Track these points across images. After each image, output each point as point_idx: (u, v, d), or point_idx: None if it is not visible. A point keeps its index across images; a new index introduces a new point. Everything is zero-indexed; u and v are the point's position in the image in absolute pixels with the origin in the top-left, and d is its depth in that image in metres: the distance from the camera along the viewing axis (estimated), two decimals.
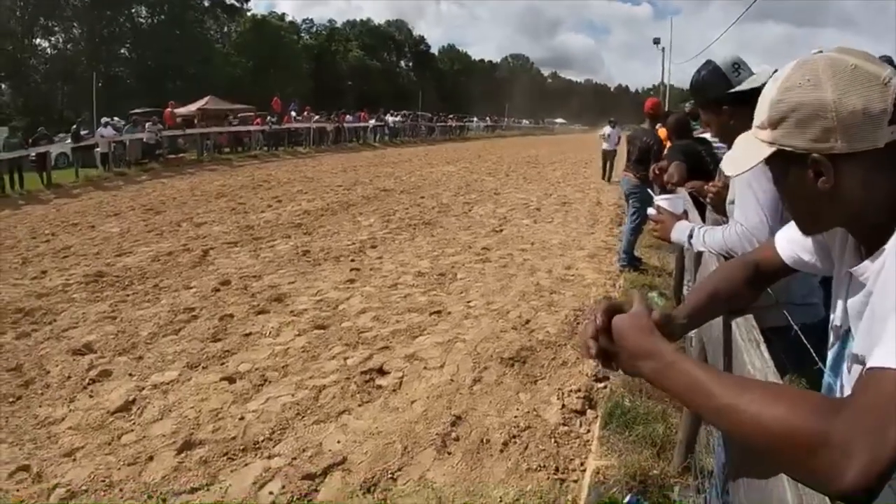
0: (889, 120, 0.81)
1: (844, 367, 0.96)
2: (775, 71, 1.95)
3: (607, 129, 16.26)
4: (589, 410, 3.46)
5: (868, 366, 0.67)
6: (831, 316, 1.06)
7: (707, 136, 4.83)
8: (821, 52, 0.89)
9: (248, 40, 53.15)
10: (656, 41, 43.03)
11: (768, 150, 0.92)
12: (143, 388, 3.75)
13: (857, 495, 0.61)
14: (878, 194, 0.85)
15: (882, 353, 0.66)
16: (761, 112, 0.93)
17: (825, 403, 0.67)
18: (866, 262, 0.88)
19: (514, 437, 3.16)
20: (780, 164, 0.92)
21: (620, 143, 14.07)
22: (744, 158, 0.99)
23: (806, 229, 1.02)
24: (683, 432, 2.67)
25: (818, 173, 0.86)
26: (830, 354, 1.05)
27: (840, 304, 1.02)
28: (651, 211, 2.28)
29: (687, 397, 0.80)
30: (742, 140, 1.02)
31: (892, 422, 0.60)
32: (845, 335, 0.98)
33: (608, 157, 15.92)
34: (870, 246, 0.89)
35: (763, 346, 1.18)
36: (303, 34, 67.60)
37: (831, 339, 1.06)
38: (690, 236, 2.05)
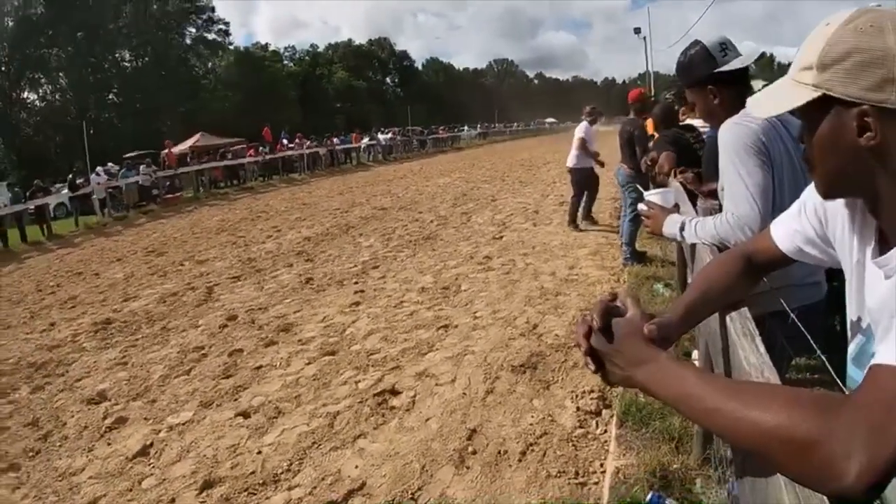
0: None
1: (868, 363, 0.93)
2: (763, 53, 1.96)
3: (583, 127, 8.60)
4: (604, 410, 3.45)
5: (872, 362, 0.66)
6: (847, 308, 1.02)
7: (693, 121, 4.86)
8: (880, 6, 0.83)
9: (233, 74, 53.49)
10: (637, 31, 43.19)
11: (812, 94, 0.84)
12: (160, 431, 3.77)
13: (858, 495, 0.59)
14: None
15: (885, 349, 0.65)
16: (809, 53, 0.85)
17: (823, 402, 0.65)
18: (890, 253, 0.83)
19: (532, 444, 3.16)
20: (820, 112, 0.85)
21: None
22: (780, 100, 0.92)
23: (828, 191, 0.95)
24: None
25: (863, 127, 0.80)
26: (852, 347, 1.01)
27: (855, 296, 0.98)
28: (641, 207, 2.28)
29: (681, 404, 0.79)
30: (776, 83, 0.95)
31: (892, 418, 0.59)
32: (868, 329, 0.93)
33: (581, 181, 8.69)
34: (892, 229, 0.85)
35: (758, 340, 1.16)
36: (286, 62, 67.96)
37: (850, 333, 1.02)
38: (682, 229, 2.04)
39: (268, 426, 3.66)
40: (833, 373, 1.06)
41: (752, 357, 1.08)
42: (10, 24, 42.43)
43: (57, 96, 46.25)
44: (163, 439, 3.66)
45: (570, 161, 8.64)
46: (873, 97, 0.78)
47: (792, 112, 0.90)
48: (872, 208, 0.90)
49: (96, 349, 5.56)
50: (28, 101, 45.51)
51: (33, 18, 42.84)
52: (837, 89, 0.81)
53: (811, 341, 1.33)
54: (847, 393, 0.93)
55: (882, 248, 0.89)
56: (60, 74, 45.64)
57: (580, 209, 8.85)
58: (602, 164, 8.61)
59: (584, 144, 8.35)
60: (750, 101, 1.01)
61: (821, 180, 0.94)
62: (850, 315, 1.01)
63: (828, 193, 0.96)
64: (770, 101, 0.95)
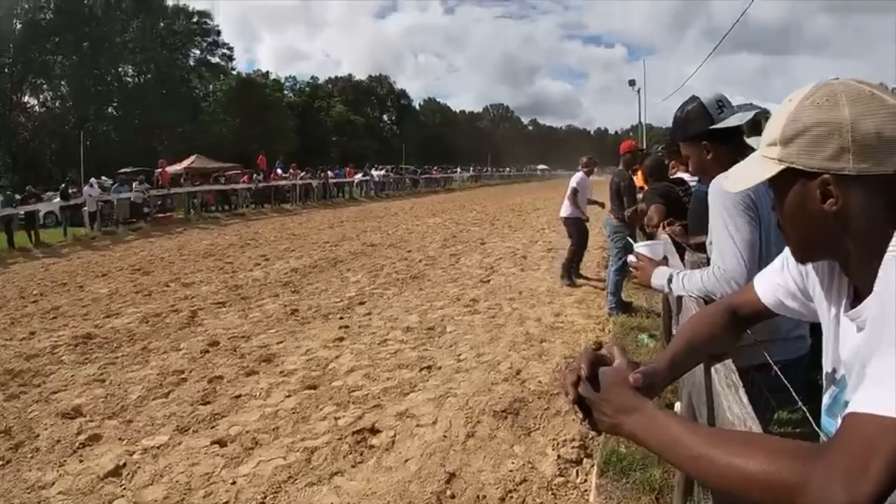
0: None
1: (840, 413, 0.94)
2: (757, 111, 2.03)
3: (577, 178, 8.35)
4: (585, 459, 3.43)
5: (848, 410, 0.67)
6: (823, 360, 1.05)
7: (683, 175, 4.96)
8: (837, 79, 0.89)
9: (233, 99, 53.94)
10: (632, 83, 44.24)
11: (777, 168, 0.91)
12: (134, 453, 3.69)
13: None
14: (878, 223, 0.84)
15: (861, 397, 0.67)
16: (773, 129, 0.92)
17: (802, 450, 0.68)
18: (860, 307, 0.88)
19: (511, 491, 3.13)
20: (787, 183, 0.91)
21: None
22: (749, 175, 0.97)
23: (802, 255, 1.01)
24: (681, 475, 2.65)
25: (826, 195, 0.86)
26: (826, 398, 1.04)
27: (831, 348, 1.02)
28: (631, 258, 2.32)
29: (666, 451, 0.81)
30: (747, 159, 1.01)
31: (870, 466, 0.61)
32: (842, 380, 0.97)
33: (577, 232, 8.32)
34: (863, 284, 0.88)
35: (741, 391, 1.19)
36: (286, 91, 68.74)
37: (825, 384, 1.05)
38: (670, 281, 2.08)
39: (244, 456, 3.60)
40: (814, 424, 1.08)
41: (736, 408, 1.11)
42: (18, 26, 42.63)
43: (57, 104, 46.35)
44: (136, 461, 3.59)
45: (563, 211, 8.47)
46: (833, 166, 0.84)
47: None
48: (844, 267, 0.95)
49: (75, 363, 5.47)
50: (28, 105, 45.62)
51: (42, 23, 43.19)
52: (800, 162, 0.87)
53: (793, 393, 1.35)
54: (823, 442, 0.96)
55: (855, 302, 0.93)
56: (63, 82, 45.85)
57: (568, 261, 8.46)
58: (602, 205, 8.26)
59: (575, 195, 8.24)
60: (722, 176, 1.08)
61: (794, 246, 1.01)
62: (826, 367, 1.05)
63: (802, 258, 1.02)
64: (741, 176, 1.01)
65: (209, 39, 56.29)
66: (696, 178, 3.65)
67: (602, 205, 8.39)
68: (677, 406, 3.34)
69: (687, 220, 3.42)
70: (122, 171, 24.27)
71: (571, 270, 8.35)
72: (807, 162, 0.87)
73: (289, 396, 4.51)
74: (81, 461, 3.63)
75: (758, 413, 1.13)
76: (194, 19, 54.24)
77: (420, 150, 68.62)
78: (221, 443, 3.79)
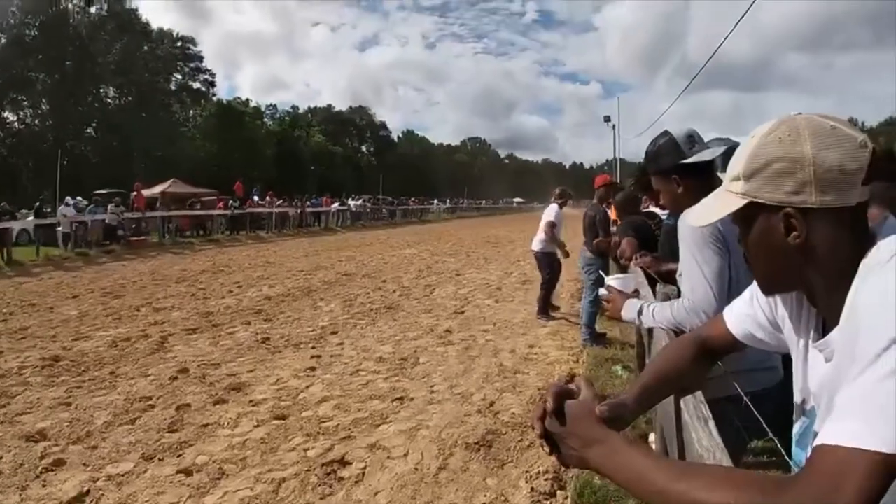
0: (863, 180, 0.83)
1: (810, 443, 0.94)
2: (729, 145, 2.07)
3: (552, 211, 8.18)
4: (559, 492, 3.39)
5: (816, 442, 0.68)
6: (794, 391, 1.06)
7: (654, 209, 5.04)
8: (799, 114, 0.90)
9: (213, 125, 53.82)
10: (607, 119, 45.02)
11: (741, 202, 0.92)
12: (98, 480, 3.57)
13: None
14: (843, 255, 0.85)
15: (828, 429, 0.67)
16: (736, 164, 0.93)
17: (771, 483, 0.67)
18: (827, 338, 0.89)
19: None
20: (751, 217, 0.92)
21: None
22: (714, 209, 0.99)
23: (768, 288, 1.02)
24: None
25: (789, 228, 0.87)
26: (796, 428, 1.05)
27: (800, 379, 1.02)
28: (602, 291, 2.34)
29: (631, 485, 0.80)
30: (713, 194, 1.02)
31: (837, 498, 0.61)
32: (811, 411, 0.98)
33: (550, 265, 8.19)
34: (830, 316, 0.89)
35: (711, 424, 1.19)
36: (266, 119, 68.81)
37: (794, 415, 1.06)
38: (640, 313, 2.10)
39: (210, 486, 3.50)
40: (786, 455, 1.09)
41: (706, 440, 1.10)
42: (3, 40, 42.43)
43: (37, 121, 45.90)
44: (100, 488, 3.47)
45: (536, 244, 8.27)
46: (795, 200, 0.86)
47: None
48: (811, 299, 0.96)
49: (42, 385, 5.31)
50: (7, 120, 45.12)
51: (26, 39, 42.95)
52: (763, 196, 0.89)
53: (763, 424, 1.36)
54: (793, 473, 0.96)
55: (823, 333, 0.93)
56: (43, 100, 45.47)
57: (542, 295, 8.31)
58: (567, 255, 8.36)
59: (552, 229, 8.07)
60: (690, 211, 1.09)
61: (760, 279, 1.02)
62: (796, 398, 1.05)
63: (768, 290, 1.03)
64: (705, 211, 1.03)
65: (192, 65, 56.45)
66: (666, 212, 3.71)
67: (567, 254, 8.38)
68: (652, 438, 3.35)
69: (658, 252, 3.47)
70: (98, 192, 23.98)
71: (547, 305, 8.32)
72: (769, 196, 0.88)
73: (257, 426, 4.42)
74: (44, 486, 3.50)
75: (729, 444, 1.13)
76: (178, 44, 54.39)
77: (398, 182, 68.83)
78: (187, 472, 3.68)
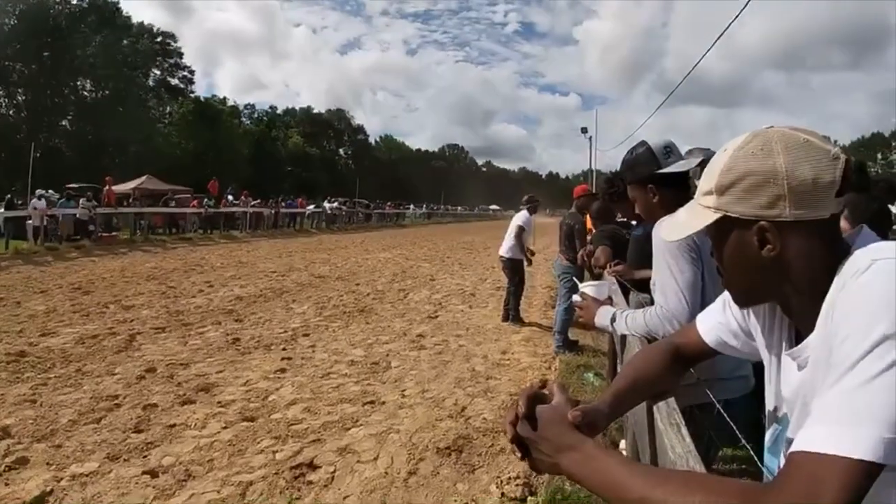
0: (836, 192, 0.83)
1: (783, 451, 0.96)
2: (704, 157, 2.09)
3: (523, 216, 8.44)
4: (529, 497, 3.38)
5: (791, 449, 0.68)
6: (766, 398, 1.06)
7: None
8: (772, 127, 0.90)
9: (189, 122, 53.14)
10: (584, 130, 45.40)
11: (714, 216, 0.91)
12: (61, 479, 3.47)
13: None
14: (817, 267, 0.85)
15: (804, 436, 0.67)
16: (709, 179, 0.93)
17: (747, 489, 0.67)
18: (801, 346, 0.89)
19: None
20: (724, 231, 0.92)
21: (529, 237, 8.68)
22: (686, 224, 0.98)
23: (743, 301, 1.02)
24: None
25: (763, 241, 0.87)
26: (768, 436, 1.05)
27: (773, 386, 1.03)
28: (576, 298, 2.34)
29: (605, 491, 0.79)
30: (685, 207, 1.02)
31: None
32: (784, 418, 0.98)
33: (517, 271, 8.37)
34: (803, 325, 0.90)
35: (684, 430, 1.19)
36: (244, 119, 68.22)
37: (766, 422, 1.06)
38: (613, 320, 2.11)
39: (176, 488, 3.42)
40: (759, 461, 1.09)
41: (678, 446, 1.10)
42: None
43: (11, 112, 44.83)
44: (64, 488, 3.37)
45: (506, 250, 8.41)
46: (768, 213, 0.86)
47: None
48: (785, 309, 0.96)
49: (6, 381, 5.15)
50: None
51: (4, 28, 42.04)
52: (735, 210, 0.89)
53: (736, 431, 1.36)
54: (766, 481, 0.96)
55: (797, 341, 0.94)
56: (20, 90, 44.41)
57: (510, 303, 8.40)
58: (530, 263, 8.55)
59: (521, 234, 8.27)
60: (663, 225, 1.09)
61: (733, 292, 1.02)
62: (768, 405, 1.06)
63: (743, 303, 1.04)
64: (677, 225, 1.02)
65: (171, 61, 55.70)
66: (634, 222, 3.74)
67: (530, 261, 8.54)
68: (622, 444, 3.36)
69: (627, 262, 3.50)
70: (71, 185, 23.50)
71: (515, 310, 8.37)
72: (742, 210, 0.88)
73: (225, 428, 4.34)
74: (7, 485, 3.39)
75: (701, 452, 1.13)
76: (158, 39, 53.65)
77: (374, 186, 68.75)
78: (153, 473, 3.60)
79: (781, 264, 0.88)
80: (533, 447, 0.92)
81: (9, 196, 18.58)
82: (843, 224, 2.33)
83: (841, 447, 0.63)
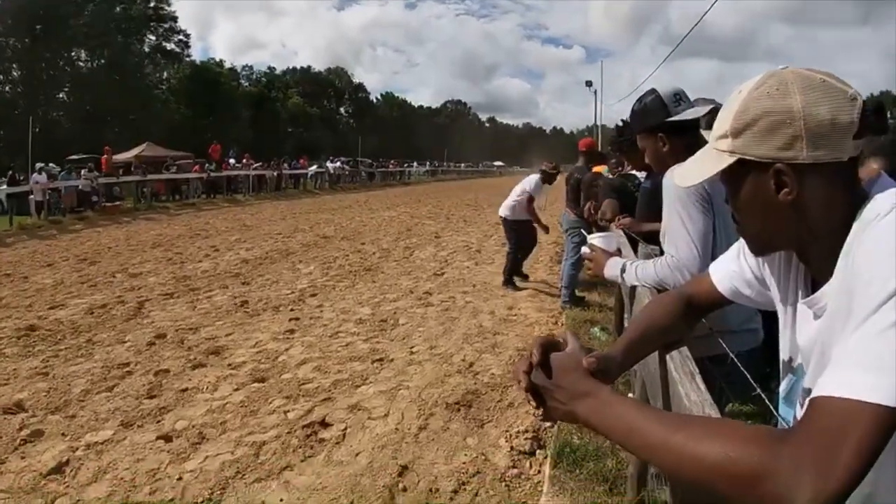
0: (854, 134, 0.81)
1: (798, 401, 0.94)
2: (714, 105, 2.04)
3: (533, 181, 7.81)
4: (538, 451, 3.43)
5: (812, 395, 0.66)
6: (780, 349, 1.05)
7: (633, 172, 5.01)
8: (787, 67, 0.87)
9: (187, 87, 52.56)
10: (588, 83, 44.81)
11: (729, 160, 0.89)
12: (77, 449, 3.52)
13: None
14: (835, 211, 0.83)
15: (826, 381, 0.65)
16: (723, 121, 0.90)
17: (768, 435, 0.66)
18: (817, 294, 0.87)
19: (464, 483, 3.10)
20: (739, 175, 0.90)
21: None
22: (701, 168, 0.96)
23: (759, 248, 1.00)
24: (634, 465, 2.66)
25: (780, 184, 0.85)
26: (783, 386, 1.04)
27: (787, 336, 1.01)
28: (585, 250, 2.32)
29: (623, 438, 0.78)
30: (699, 153, 0.99)
31: (838, 451, 0.59)
32: (799, 368, 0.96)
33: (520, 234, 7.96)
34: (820, 273, 0.88)
35: (698, 378, 1.18)
36: (242, 81, 67.39)
37: (781, 372, 1.05)
38: (623, 271, 2.09)
39: (190, 452, 3.48)
40: (773, 408, 1.08)
41: (693, 395, 1.09)
42: None
43: (7, 88, 44.39)
44: (79, 457, 3.43)
45: (506, 210, 7.95)
46: (785, 155, 0.83)
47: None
48: (801, 256, 0.94)
49: (17, 356, 5.21)
50: None
51: None
52: (751, 152, 0.86)
53: (751, 381, 1.35)
54: (787, 427, 0.95)
55: (813, 290, 0.92)
56: (14, 65, 43.88)
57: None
58: (546, 231, 7.99)
59: (531, 203, 7.70)
60: (676, 171, 1.06)
61: (750, 239, 0.99)
62: (783, 355, 1.04)
63: (758, 251, 1.01)
64: (692, 170, 0.99)
65: (165, 25, 54.68)
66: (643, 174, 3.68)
67: (546, 229, 7.96)
68: (630, 397, 3.38)
69: (636, 215, 3.46)
70: (71, 157, 23.40)
71: (513, 275, 7.90)
72: (758, 152, 0.85)
73: (237, 390, 4.39)
74: (23, 458, 3.44)
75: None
76: (151, 4, 52.57)
77: (377, 144, 68.15)
78: (167, 438, 3.66)
79: (798, 209, 0.85)
80: (547, 395, 0.91)
81: (10, 172, 18.46)
82: (873, 166, 2.28)
83: (864, 392, 0.61)
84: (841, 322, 0.72)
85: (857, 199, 0.83)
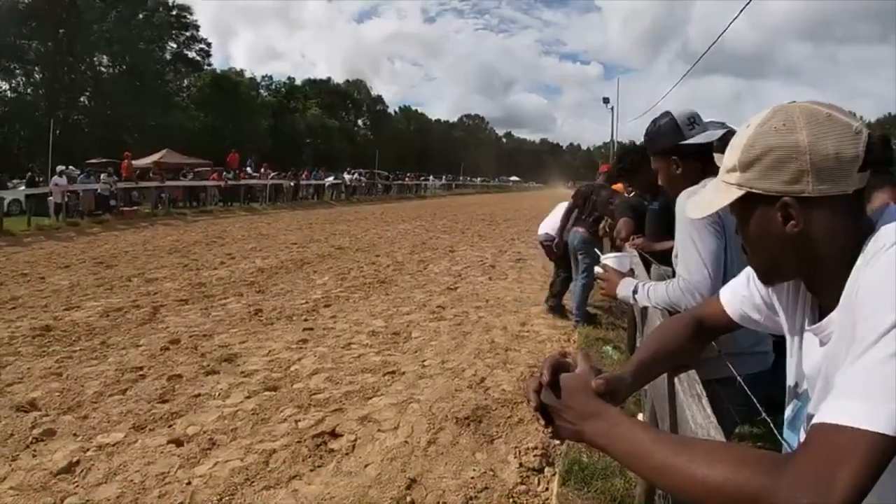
0: (859, 167, 0.83)
1: (802, 427, 0.96)
2: (727, 130, 2.06)
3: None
4: (547, 468, 3.42)
5: (814, 421, 0.68)
6: (787, 374, 1.06)
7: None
8: (794, 102, 0.90)
9: (207, 95, 53.19)
10: (606, 100, 44.83)
11: (737, 193, 0.92)
12: (88, 450, 3.57)
13: None
14: (841, 242, 0.85)
15: (827, 408, 0.67)
16: (732, 155, 0.93)
17: (769, 459, 0.67)
18: (824, 322, 0.89)
19: (471, 498, 3.10)
20: (748, 207, 0.93)
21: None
22: (711, 201, 0.99)
23: (767, 278, 1.02)
24: (641, 485, 2.67)
25: (787, 217, 0.87)
26: (788, 411, 1.06)
27: (794, 362, 1.03)
28: (597, 269, 2.34)
29: (629, 459, 0.80)
30: (710, 185, 1.02)
31: (836, 476, 0.61)
32: (804, 394, 0.98)
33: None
34: (827, 302, 0.89)
35: (705, 401, 1.19)
36: (262, 90, 68.11)
37: (787, 398, 1.06)
38: (635, 292, 2.10)
39: (200, 457, 3.51)
40: (778, 434, 1.09)
41: (700, 417, 1.11)
42: None
43: (29, 90, 45.15)
44: (90, 458, 3.47)
45: (551, 227, 7.17)
46: (792, 189, 0.86)
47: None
48: (808, 285, 0.96)
49: (32, 355, 5.29)
50: (0, 89, 44.46)
51: (19, 6, 42.06)
52: (759, 186, 0.89)
53: (757, 405, 1.36)
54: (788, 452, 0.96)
55: (819, 317, 0.94)
56: (36, 68, 44.67)
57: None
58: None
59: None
60: (687, 203, 1.09)
61: (758, 269, 1.02)
62: (789, 381, 1.06)
63: (766, 280, 1.04)
64: (702, 202, 1.03)
65: (187, 34, 55.54)
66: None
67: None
68: (640, 417, 3.37)
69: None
70: (91, 161, 23.75)
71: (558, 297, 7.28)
72: (766, 186, 0.88)
73: (249, 397, 4.43)
74: (34, 456, 3.49)
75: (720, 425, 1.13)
76: (173, 12, 53.44)
77: (394, 157, 68.50)
78: (178, 442, 3.69)
79: (806, 240, 0.88)
80: (556, 415, 0.93)
81: (29, 174, 18.79)
82: (883, 196, 2.28)
83: (863, 420, 0.63)
84: (844, 350, 0.74)
85: (863, 229, 0.85)
